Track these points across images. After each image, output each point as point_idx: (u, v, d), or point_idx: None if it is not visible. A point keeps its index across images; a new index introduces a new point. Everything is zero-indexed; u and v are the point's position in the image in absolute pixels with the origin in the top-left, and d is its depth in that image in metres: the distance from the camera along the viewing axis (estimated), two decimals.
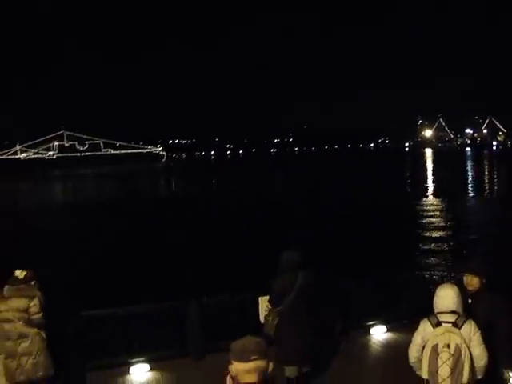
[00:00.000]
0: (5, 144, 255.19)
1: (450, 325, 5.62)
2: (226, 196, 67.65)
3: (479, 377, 5.70)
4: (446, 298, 5.79)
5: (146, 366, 9.34)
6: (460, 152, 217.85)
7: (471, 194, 58.22)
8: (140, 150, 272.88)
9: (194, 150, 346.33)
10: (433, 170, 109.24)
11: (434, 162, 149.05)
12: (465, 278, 6.55)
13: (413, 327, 6.29)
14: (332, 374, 8.75)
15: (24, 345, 7.14)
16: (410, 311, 10.49)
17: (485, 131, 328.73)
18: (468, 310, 6.01)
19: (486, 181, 77.55)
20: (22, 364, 7.14)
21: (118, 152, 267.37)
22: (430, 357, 5.62)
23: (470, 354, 5.53)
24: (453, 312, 5.71)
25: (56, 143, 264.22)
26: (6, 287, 7.39)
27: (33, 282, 7.43)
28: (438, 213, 42.88)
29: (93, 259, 28.45)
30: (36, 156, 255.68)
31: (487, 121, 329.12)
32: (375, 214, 40.77)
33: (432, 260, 25.65)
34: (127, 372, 9.22)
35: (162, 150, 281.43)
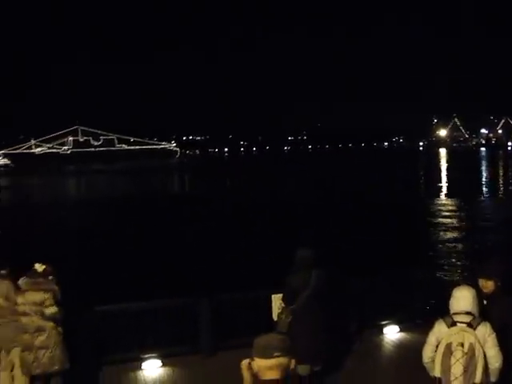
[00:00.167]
0: (20, 138, 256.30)
1: (465, 325, 5.60)
2: (239, 193, 67.64)
3: (493, 379, 5.67)
4: (462, 299, 5.77)
5: (158, 362, 9.36)
6: (475, 152, 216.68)
7: (486, 195, 57.94)
8: (154, 146, 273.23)
9: (208, 146, 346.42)
10: (447, 170, 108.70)
11: (448, 161, 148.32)
12: (480, 281, 6.53)
13: (426, 327, 6.27)
14: (344, 373, 8.73)
15: (41, 338, 7.18)
16: (424, 311, 10.47)
17: (500, 131, 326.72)
18: (484, 312, 5.98)
19: (501, 182, 77.10)
20: (39, 357, 7.18)
21: (132, 148, 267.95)
22: (443, 355, 5.60)
23: (484, 354, 5.51)
24: (468, 313, 5.69)
25: (70, 138, 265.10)
26: (24, 280, 7.43)
27: (50, 277, 7.46)
28: (451, 213, 42.67)
29: (106, 255, 28.54)
30: (50, 151, 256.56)
31: (502, 121, 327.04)
32: (389, 213, 40.64)
33: (446, 260, 25.55)
34: (139, 367, 9.25)
35: (175, 147, 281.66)
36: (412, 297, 10.79)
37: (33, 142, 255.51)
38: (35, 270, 7.41)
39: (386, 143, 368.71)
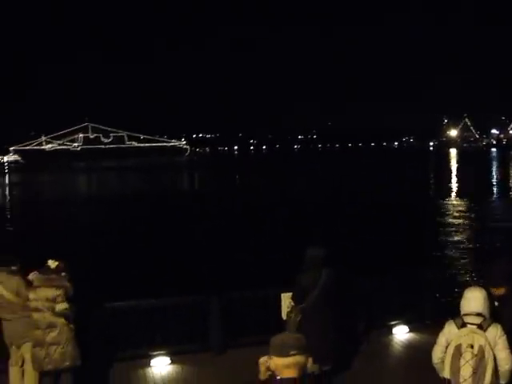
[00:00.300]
0: (31, 135, 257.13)
1: (475, 326, 5.58)
2: (249, 191, 67.66)
3: (503, 382, 5.65)
4: (473, 300, 5.75)
5: (167, 359, 9.38)
6: (485, 153, 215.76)
7: (496, 195, 57.73)
8: (164, 144, 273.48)
9: (218, 144, 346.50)
10: (457, 171, 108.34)
11: (458, 162, 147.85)
12: (489, 288, 6.49)
13: (435, 328, 6.26)
14: (353, 373, 8.73)
15: (52, 334, 7.21)
16: (433, 312, 10.44)
17: (511, 132, 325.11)
18: (495, 313, 5.96)
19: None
20: (50, 353, 7.21)
21: (141, 145, 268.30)
22: (452, 356, 5.58)
23: (494, 356, 5.49)
24: (479, 314, 5.66)
25: (81, 135, 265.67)
26: (37, 276, 7.46)
27: (63, 274, 7.49)
28: (462, 213, 42.53)
29: (116, 252, 28.61)
30: (61, 147, 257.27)
31: None
32: (399, 214, 40.55)
33: (456, 261, 25.47)
34: (148, 364, 9.27)
35: (185, 144, 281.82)
36: (422, 297, 10.77)
37: (43, 138, 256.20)
38: (48, 266, 7.43)
39: (395, 143, 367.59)
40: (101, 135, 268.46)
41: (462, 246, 29.40)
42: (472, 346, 5.47)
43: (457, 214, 41.86)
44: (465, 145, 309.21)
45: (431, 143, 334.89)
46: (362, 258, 23.03)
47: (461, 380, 5.48)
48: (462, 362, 5.47)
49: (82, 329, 7.76)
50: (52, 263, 7.46)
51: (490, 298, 5.92)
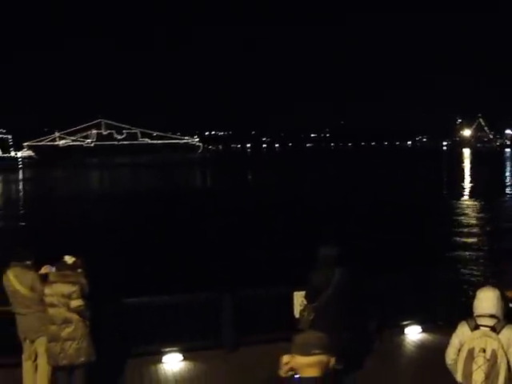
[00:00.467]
0: (44, 130, 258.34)
1: (489, 329, 5.51)
2: (262, 189, 67.66)
3: None
4: (486, 301, 5.68)
5: (180, 356, 9.40)
6: (499, 153, 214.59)
7: (510, 196, 57.47)
8: (177, 141, 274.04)
9: (231, 142, 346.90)
10: (471, 171, 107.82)
11: (472, 162, 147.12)
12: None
13: (448, 329, 6.22)
14: (365, 373, 8.70)
15: (68, 330, 7.23)
16: (446, 312, 10.39)
17: None
18: (509, 314, 5.91)
19: None
20: (65, 348, 7.24)
21: (154, 142, 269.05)
22: (465, 360, 5.52)
23: (508, 360, 5.43)
24: (492, 316, 5.59)
25: (94, 131, 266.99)
26: (52, 271, 7.48)
27: (80, 270, 7.50)
28: (475, 214, 42.35)
29: (129, 248, 28.69)
30: (74, 143, 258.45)
31: None
32: (412, 213, 40.45)
33: (469, 262, 25.32)
34: (160, 361, 9.28)
35: (198, 141, 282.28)
36: (435, 297, 10.73)
37: (57, 134, 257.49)
38: (64, 261, 7.45)
39: (409, 142, 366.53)
40: (114, 132, 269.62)
41: (475, 246, 29.25)
42: (484, 351, 5.40)
43: (470, 215, 41.68)
44: (478, 145, 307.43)
45: (444, 143, 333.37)
46: (374, 257, 22.97)
47: None
48: (475, 366, 5.42)
49: (94, 325, 7.78)
50: (69, 259, 7.47)
51: (504, 298, 5.87)
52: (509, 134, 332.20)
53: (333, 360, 3.68)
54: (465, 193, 60.25)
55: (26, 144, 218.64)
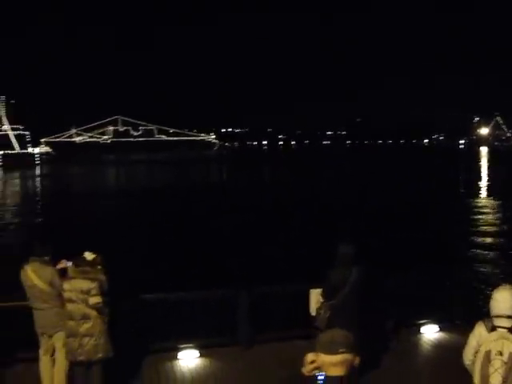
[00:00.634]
0: (61, 127, 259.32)
1: (506, 330, 5.43)
2: (278, 186, 67.62)
3: None
4: (503, 301, 5.60)
5: (196, 353, 9.41)
6: None
7: None
8: (193, 138, 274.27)
9: (247, 139, 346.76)
10: (488, 169, 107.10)
11: (489, 160, 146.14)
12: None
13: (465, 328, 6.18)
14: (381, 371, 8.66)
15: (86, 326, 7.26)
16: (463, 312, 10.34)
17: None
18: None
19: None
20: (83, 344, 7.27)
21: (171, 139, 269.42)
22: (482, 363, 5.44)
23: None
24: (509, 317, 5.50)
25: (111, 128, 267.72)
26: (72, 267, 7.50)
27: (99, 267, 7.52)
28: (492, 213, 42.12)
29: (145, 245, 28.79)
30: (91, 140, 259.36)
31: None
32: (429, 212, 40.29)
33: (487, 261, 25.19)
34: (176, 357, 9.30)
35: (214, 138, 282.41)
36: (452, 296, 10.67)
37: (74, 130, 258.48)
38: (84, 258, 7.46)
39: (425, 141, 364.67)
40: (130, 128, 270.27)
41: (492, 245, 29.10)
42: (501, 353, 5.34)
43: (487, 213, 41.44)
44: (496, 143, 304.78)
45: (462, 141, 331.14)
46: (391, 255, 22.90)
47: None
48: (491, 369, 5.34)
49: (111, 321, 7.80)
50: (88, 255, 7.49)
51: None
52: None
53: (358, 359, 3.65)
54: (482, 191, 59.90)
55: (43, 140, 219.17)
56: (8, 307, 8.76)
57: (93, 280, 7.31)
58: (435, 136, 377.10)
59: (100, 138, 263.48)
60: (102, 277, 7.46)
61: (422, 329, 10.37)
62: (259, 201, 51.06)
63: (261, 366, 8.92)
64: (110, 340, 7.44)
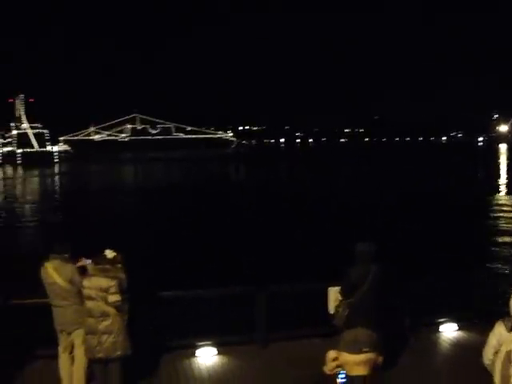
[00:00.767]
0: (80, 125, 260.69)
1: None
2: (295, 184, 67.57)
3: None
4: None
5: (213, 350, 9.41)
6: None
7: None
8: (210, 136, 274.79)
9: (264, 137, 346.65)
10: (507, 166, 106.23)
11: (508, 158, 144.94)
12: None
13: (484, 327, 6.13)
14: (399, 369, 8.62)
15: (105, 323, 7.28)
16: (482, 310, 10.26)
17: None
18: None
19: None
20: (102, 341, 7.28)
21: (188, 136, 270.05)
22: (503, 363, 5.40)
23: None
24: None
25: (129, 126, 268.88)
26: (92, 265, 7.52)
27: (119, 265, 7.53)
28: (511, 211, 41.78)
29: (163, 242, 28.88)
30: (109, 138, 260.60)
31: None
32: (448, 210, 40.07)
33: (506, 260, 24.99)
34: (193, 354, 9.31)
35: (232, 136, 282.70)
36: (471, 295, 10.59)
37: (92, 129, 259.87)
38: (104, 255, 7.48)
39: (444, 138, 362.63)
40: (148, 126, 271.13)
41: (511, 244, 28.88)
42: None
43: (508, 211, 41.12)
44: None
45: (480, 138, 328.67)
46: (410, 254, 22.80)
47: None
48: None
49: (130, 318, 7.81)
50: (109, 253, 7.49)
51: None
52: None
53: (381, 358, 3.61)
54: (502, 189, 59.48)
55: (62, 138, 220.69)
56: (27, 304, 8.83)
57: (112, 278, 7.31)
58: (453, 133, 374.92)
59: (118, 136, 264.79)
60: (122, 275, 7.46)
61: (441, 327, 10.31)
62: (277, 198, 51.04)
63: (278, 364, 8.90)
64: (128, 338, 7.46)
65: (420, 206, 42.88)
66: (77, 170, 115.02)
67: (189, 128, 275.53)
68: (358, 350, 3.47)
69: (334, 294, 8.55)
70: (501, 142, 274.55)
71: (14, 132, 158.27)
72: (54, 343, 8.13)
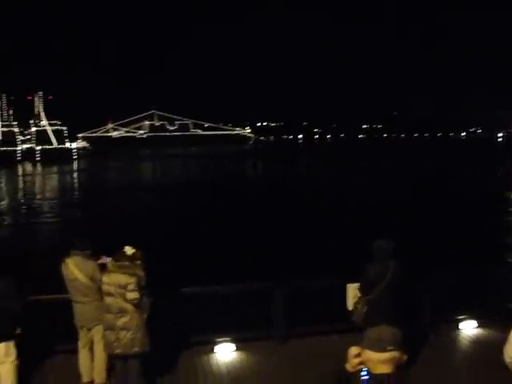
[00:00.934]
0: (98, 122, 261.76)
1: None
2: (313, 180, 67.46)
3: None
4: None
5: (232, 346, 9.42)
6: None
7: None
8: (228, 132, 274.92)
9: (282, 133, 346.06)
10: None
11: None
12: None
13: (504, 324, 6.08)
14: (418, 366, 8.57)
15: (123, 319, 7.29)
16: (502, 308, 10.18)
17: None
18: None
19: None
20: (120, 338, 7.30)
21: (206, 133, 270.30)
22: None
23: None
24: None
25: (147, 122, 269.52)
26: (111, 261, 7.53)
27: (138, 262, 7.52)
28: None
29: (181, 237, 28.94)
30: (127, 135, 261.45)
31: None
32: (469, 205, 39.83)
33: None
34: (212, 351, 9.32)
35: (250, 133, 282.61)
36: (491, 292, 10.51)
37: (110, 125, 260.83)
38: (124, 252, 7.47)
39: (463, 134, 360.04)
40: (166, 123, 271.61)
41: None
42: None
43: None
44: None
45: (500, 134, 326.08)
46: (430, 250, 22.69)
47: None
48: None
49: (148, 315, 7.81)
50: (129, 249, 7.48)
51: None
52: None
53: (405, 356, 3.57)
54: None
55: (80, 135, 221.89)
56: (47, 300, 8.88)
57: (131, 275, 7.30)
58: (473, 129, 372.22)
59: (136, 132, 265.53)
60: (141, 272, 7.43)
61: (461, 325, 10.24)
62: (295, 194, 50.99)
63: (296, 360, 8.89)
64: (147, 334, 7.46)
65: (439, 202, 42.63)
66: (95, 167, 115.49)
67: (206, 124, 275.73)
68: (382, 349, 3.42)
69: (352, 291, 8.53)
70: None
71: (33, 129, 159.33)
72: (74, 338, 8.19)
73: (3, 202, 56.08)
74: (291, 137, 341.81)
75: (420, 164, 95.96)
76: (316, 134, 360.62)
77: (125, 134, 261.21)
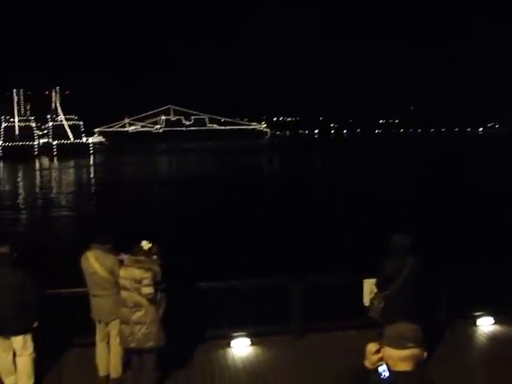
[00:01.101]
0: (114, 117, 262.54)
1: None
2: (330, 175, 67.33)
3: None
4: None
5: (248, 341, 9.42)
6: None
7: None
8: (244, 127, 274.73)
9: (298, 127, 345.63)
10: None
11: None
12: None
13: None
14: (434, 362, 8.52)
15: (138, 314, 7.30)
16: None
17: None
18: None
19: None
20: (135, 332, 7.32)
21: (222, 128, 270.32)
22: None
23: None
24: None
25: (163, 117, 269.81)
26: (128, 256, 7.53)
27: (155, 257, 7.52)
28: None
29: (197, 233, 28.97)
30: (143, 129, 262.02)
31: None
32: (486, 201, 39.56)
33: None
34: (228, 345, 9.33)
35: (266, 127, 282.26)
36: (508, 288, 10.43)
37: (126, 120, 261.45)
38: (141, 247, 7.47)
39: (480, 129, 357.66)
40: (182, 117, 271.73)
41: None
42: None
43: None
44: None
45: None
46: (446, 246, 22.56)
47: None
48: None
49: (165, 309, 7.82)
50: (145, 244, 7.47)
51: None
52: None
53: (425, 353, 3.54)
54: None
55: (96, 130, 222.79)
56: (65, 294, 8.93)
57: (146, 270, 7.29)
58: (490, 124, 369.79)
59: (152, 127, 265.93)
60: (156, 268, 7.42)
61: (478, 321, 10.18)
62: (311, 189, 50.92)
63: (312, 355, 8.88)
64: (163, 329, 7.46)
65: (456, 197, 42.40)
66: (111, 161, 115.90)
67: (223, 119, 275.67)
68: (402, 346, 3.38)
69: (369, 286, 8.52)
70: None
71: (50, 124, 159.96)
72: (91, 332, 8.23)
73: (21, 197, 56.54)
74: (307, 132, 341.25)
75: (437, 159, 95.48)
76: (332, 128, 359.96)
77: (141, 129, 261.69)
